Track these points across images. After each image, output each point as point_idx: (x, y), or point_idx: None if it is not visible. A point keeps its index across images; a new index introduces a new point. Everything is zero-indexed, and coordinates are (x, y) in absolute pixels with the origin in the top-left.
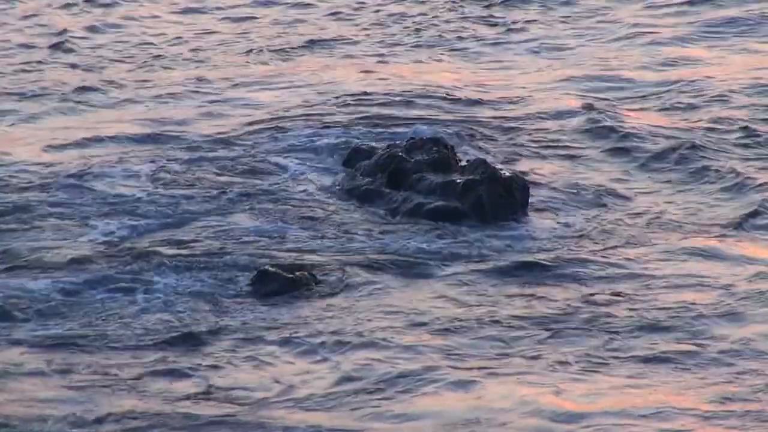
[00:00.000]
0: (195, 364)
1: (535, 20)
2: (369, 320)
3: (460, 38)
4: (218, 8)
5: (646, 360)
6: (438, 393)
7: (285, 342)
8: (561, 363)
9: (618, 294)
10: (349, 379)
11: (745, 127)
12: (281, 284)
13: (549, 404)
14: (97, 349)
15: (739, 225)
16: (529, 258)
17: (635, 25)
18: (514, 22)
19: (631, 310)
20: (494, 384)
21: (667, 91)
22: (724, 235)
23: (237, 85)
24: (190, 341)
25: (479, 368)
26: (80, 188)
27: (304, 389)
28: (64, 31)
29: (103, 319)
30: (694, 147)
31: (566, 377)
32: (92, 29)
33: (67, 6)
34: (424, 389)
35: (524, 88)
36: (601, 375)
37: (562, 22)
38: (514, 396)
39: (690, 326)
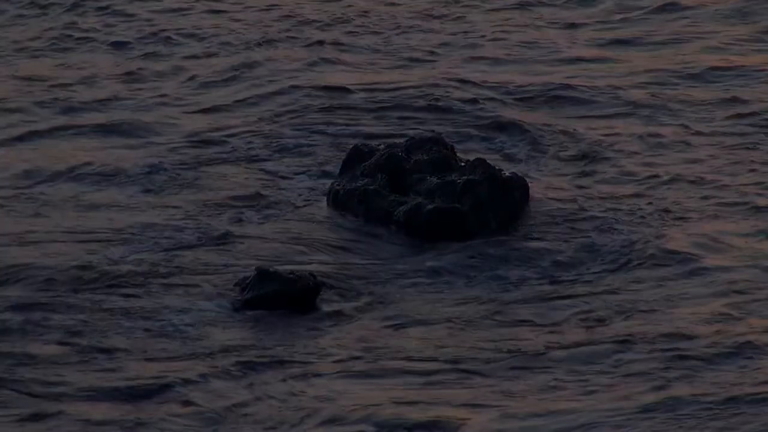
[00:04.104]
0: (194, 371)
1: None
2: (373, 330)
3: (456, 35)
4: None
5: (656, 385)
6: (448, 414)
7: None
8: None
9: (624, 306)
10: (357, 391)
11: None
12: (281, 284)
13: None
14: (88, 364)
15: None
16: (531, 262)
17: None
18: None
19: (640, 326)
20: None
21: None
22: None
23: (227, 83)
24: (189, 350)
25: (492, 391)
26: (59, 195)
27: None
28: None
29: (93, 335)
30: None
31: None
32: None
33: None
34: (435, 410)
35: (523, 86)
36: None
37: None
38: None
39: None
